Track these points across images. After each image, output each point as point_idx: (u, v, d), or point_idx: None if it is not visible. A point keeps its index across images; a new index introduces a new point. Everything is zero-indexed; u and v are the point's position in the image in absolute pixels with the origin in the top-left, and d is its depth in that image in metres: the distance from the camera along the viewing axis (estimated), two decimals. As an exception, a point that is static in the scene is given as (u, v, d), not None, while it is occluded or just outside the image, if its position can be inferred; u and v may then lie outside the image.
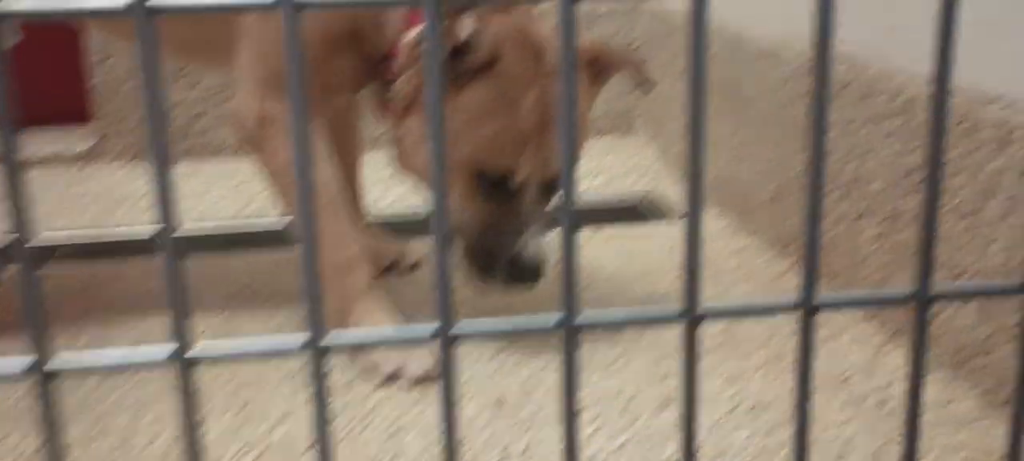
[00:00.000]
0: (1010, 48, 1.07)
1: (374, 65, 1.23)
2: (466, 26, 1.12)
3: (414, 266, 1.54)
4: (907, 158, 1.22)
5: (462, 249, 1.22)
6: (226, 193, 1.98)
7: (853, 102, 1.32)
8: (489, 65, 1.14)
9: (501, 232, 1.19)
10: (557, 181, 1.21)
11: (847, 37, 1.34)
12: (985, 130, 1.07)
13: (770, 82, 1.56)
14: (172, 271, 0.44)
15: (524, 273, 1.19)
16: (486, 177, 1.17)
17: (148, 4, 0.40)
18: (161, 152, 0.42)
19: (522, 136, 1.16)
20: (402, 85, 1.18)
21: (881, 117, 1.27)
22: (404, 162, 1.23)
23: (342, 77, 1.24)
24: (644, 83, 1.30)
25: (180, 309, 0.45)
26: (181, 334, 0.45)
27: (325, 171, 1.22)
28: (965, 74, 1.10)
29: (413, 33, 1.19)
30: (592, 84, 1.27)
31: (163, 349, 0.45)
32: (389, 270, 1.52)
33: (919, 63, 1.22)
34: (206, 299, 1.44)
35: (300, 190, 0.43)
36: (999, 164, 1.06)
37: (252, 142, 1.22)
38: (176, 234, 0.43)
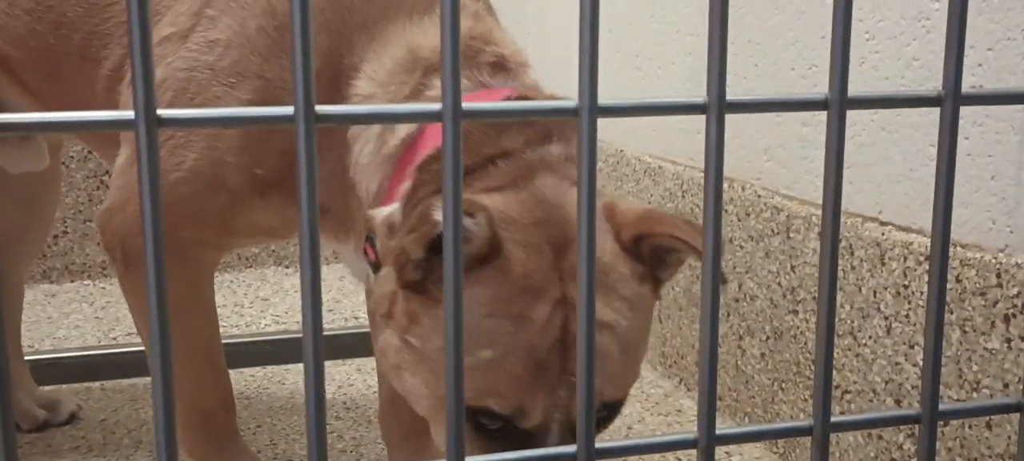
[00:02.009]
0: (884, 169, 1.10)
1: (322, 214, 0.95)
2: (439, 210, 0.75)
3: (72, 417, 1.36)
4: (787, 276, 1.23)
5: None
6: (86, 318, 1.86)
7: (734, 221, 1.34)
8: (486, 259, 0.79)
9: None
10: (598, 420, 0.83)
11: (725, 158, 1.37)
12: (861, 249, 1.09)
13: (653, 198, 1.57)
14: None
15: None
16: (486, 420, 0.81)
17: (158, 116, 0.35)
18: (158, 266, 0.36)
19: (534, 363, 0.79)
20: (381, 286, 0.86)
21: (761, 235, 1.28)
22: (391, 378, 0.89)
23: (257, 227, 1.01)
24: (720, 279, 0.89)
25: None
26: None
27: (198, 319, 1.04)
28: (842, 194, 1.12)
29: (387, 210, 0.86)
30: (650, 282, 0.85)
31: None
32: (44, 426, 1.34)
33: (796, 185, 1.25)
34: (57, 435, 1.32)
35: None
36: (876, 283, 1.08)
37: (113, 259, 1.03)
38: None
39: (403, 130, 0.92)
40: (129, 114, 0.34)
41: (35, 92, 1.11)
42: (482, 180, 0.85)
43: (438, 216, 0.75)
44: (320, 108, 0.37)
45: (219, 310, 1.10)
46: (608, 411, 0.86)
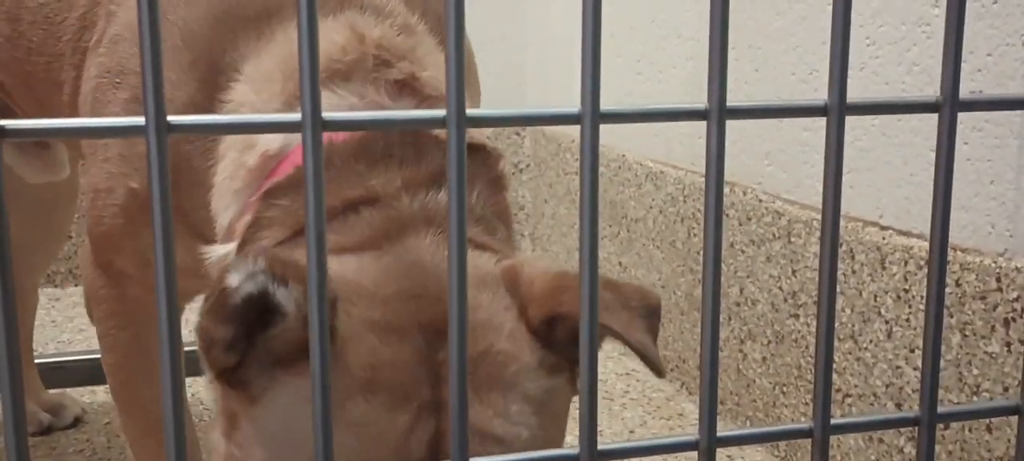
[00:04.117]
0: (884, 174, 1.10)
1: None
2: (238, 269, 0.55)
3: (76, 421, 1.34)
4: (788, 281, 1.24)
5: None
6: (90, 322, 1.87)
7: (735, 225, 1.35)
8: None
9: None
10: None
11: (726, 162, 1.37)
12: (862, 254, 1.10)
13: (655, 203, 1.58)
14: None
15: None
16: None
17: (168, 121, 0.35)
18: (169, 277, 0.37)
19: None
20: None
21: (762, 240, 1.29)
22: None
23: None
24: (655, 369, 0.61)
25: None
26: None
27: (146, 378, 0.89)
28: (842, 198, 1.13)
29: (223, 249, 0.70)
30: (566, 372, 0.64)
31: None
32: (49, 430, 1.33)
33: (797, 189, 1.26)
34: (61, 439, 1.33)
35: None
36: (876, 287, 1.08)
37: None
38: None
39: (264, 144, 0.71)
40: (140, 120, 0.35)
41: (29, 116, 1.11)
42: (333, 235, 0.64)
43: (234, 279, 0.55)
44: (327, 115, 0.37)
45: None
46: None
